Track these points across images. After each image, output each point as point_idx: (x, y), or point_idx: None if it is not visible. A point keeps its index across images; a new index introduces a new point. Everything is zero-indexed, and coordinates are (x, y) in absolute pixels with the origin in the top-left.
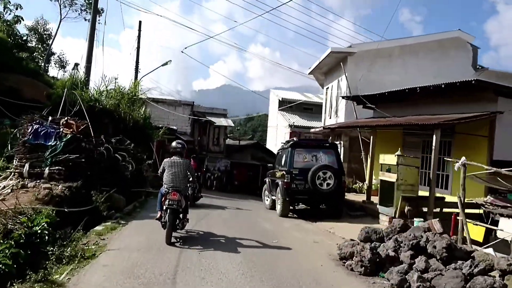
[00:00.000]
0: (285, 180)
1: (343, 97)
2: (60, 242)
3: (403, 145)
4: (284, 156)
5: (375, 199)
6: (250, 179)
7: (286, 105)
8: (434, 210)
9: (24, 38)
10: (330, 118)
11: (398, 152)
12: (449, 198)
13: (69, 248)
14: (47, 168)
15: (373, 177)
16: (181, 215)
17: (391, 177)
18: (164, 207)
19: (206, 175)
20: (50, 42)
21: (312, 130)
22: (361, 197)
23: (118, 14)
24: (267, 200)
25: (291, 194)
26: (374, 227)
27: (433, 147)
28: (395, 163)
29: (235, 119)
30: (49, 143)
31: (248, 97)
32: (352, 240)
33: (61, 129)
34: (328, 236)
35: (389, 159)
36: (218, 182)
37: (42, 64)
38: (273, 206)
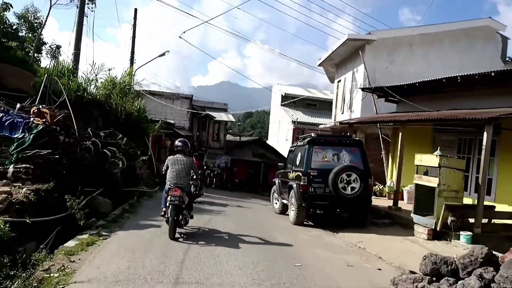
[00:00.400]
0: (302, 183)
1: (363, 89)
2: (7, 271)
3: (433, 143)
4: (299, 154)
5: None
6: (251, 176)
7: (289, 101)
8: (482, 221)
9: (15, 27)
10: (342, 113)
11: (438, 152)
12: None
13: (18, 280)
14: (11, 166)
15: (392, 179)
16: (185, 211)
17: (431, 182)
18: (167, 203)
19: (205, 173)
20: (40, 31)
21: (321, 126)
22: (383, 202)
23: (117, 8)
24: (276, 203)
25: (308, 199)
26: (443, 257)
27: (483, 146)
28: (436, 165)
29: (234, 114)
30: (15, 135)
31: (247, 94)
32: (411, 272)
33: (32, 119)
34: (360, 254)
35: (428, 159)
36: (218, 180)
37: (31, 53)
38: (283, 211)
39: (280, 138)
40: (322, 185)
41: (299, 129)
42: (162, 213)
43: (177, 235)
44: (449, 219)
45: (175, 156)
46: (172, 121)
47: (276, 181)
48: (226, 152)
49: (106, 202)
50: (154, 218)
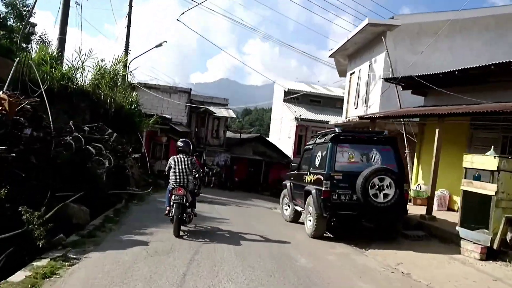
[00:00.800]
0: (323, 188)
1: (386, 80)
2: None
3: (469, 142)
4: (319, 154)
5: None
6: (251, 175)
7: (292, 96)
8: None
9: (2, 15)
10: (356, 108)
11: (492, 152)
12: None
13: None
14: None
15: (416, 182)
16: (188, 209)
17: (486, 189)
18: (171, 202)
19: (204, 172)
20: (27, 18)
21: (332, 122)
22: (410, 208)
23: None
24: (286, 209)
25: (331, 208)
26: None
27: None
28: (494, 168)
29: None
30: None
31: (246, 91)
32: None
33: None
34: (410, 286)
35: (481, 161)
36: (217, 179)
37: (18, 42)
38: (295, 218)
39: (282, 135)
40: (348, 192)
41: (302, 126)
42: (166, 211)
43: (180, 233)
44: (509, 235)
45: (178, 156)
46: (168, 116)
47: (288, 184)
48: (225, 149)
49: (82, 210)
50: (142, 231)
